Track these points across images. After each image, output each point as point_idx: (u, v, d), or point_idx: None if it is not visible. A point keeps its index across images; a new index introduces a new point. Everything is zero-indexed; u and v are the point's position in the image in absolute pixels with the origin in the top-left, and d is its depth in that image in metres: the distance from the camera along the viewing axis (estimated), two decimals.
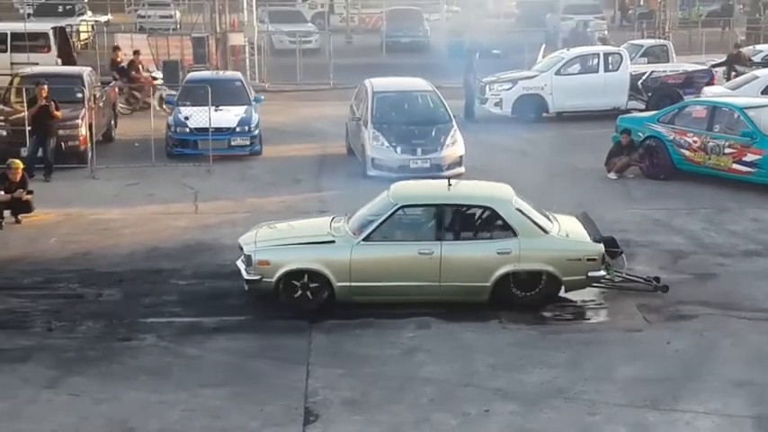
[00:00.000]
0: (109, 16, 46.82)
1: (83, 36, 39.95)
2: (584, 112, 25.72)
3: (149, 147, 20.89)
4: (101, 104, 22.33)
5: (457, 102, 24.51)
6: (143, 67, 28.41)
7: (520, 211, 12.79)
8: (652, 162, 19.64)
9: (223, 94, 21.91)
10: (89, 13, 45.29)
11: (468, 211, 12.98)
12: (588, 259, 12.63)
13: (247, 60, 32.11)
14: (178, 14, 46.32)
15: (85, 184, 19.42)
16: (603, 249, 12.76)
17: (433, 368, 11.00)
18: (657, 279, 13.41)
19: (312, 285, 12.53)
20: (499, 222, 12.66)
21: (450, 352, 11.44)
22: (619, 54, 26.53)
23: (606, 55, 26.40)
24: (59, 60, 29.45)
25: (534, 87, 25.63)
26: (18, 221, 16.40)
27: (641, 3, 49.18)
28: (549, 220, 13.18)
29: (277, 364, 11.10)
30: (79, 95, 21.16)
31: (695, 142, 19.06)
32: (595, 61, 26.22)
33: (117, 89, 25.71)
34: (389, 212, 12.65)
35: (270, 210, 17.23)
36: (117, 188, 19.05)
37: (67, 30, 33.11)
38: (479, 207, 12.93)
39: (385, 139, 19.69)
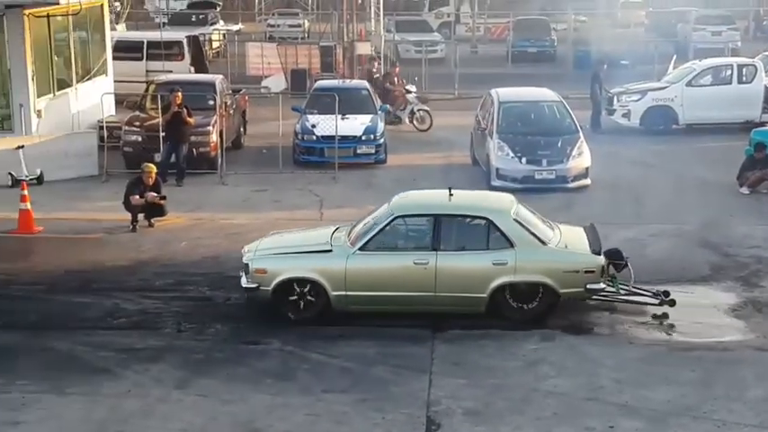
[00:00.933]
0: (240, 25, 47.90)
1: (215, 45, 40.97)
2: (716, 124, 25.04)
3: (277, 154, 21.27)
4: (231, 112, 22.84)
5: (583, 112, 24.23)
6: (398, 80, 26.85)
7: (518, 221, 12.62)
8: None
9: (350, 102, 22.17)
10: (221, 22, 46.43)
11: (465, 222, 12.87)
12: (586, 271, 12.37)
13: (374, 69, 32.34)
14: (307, 24, 47.09)
15: (215, 190, 19.89)
16: (602, 261, 12.51)
17: (556, 381, 10.89)
18: (666, 293, 12.98)
19: (309, 294, 12.58)
20: (496, 233, 12.49)
21: (574, 365, 11.30)
22: (753, 66, 25.79)
23: (740, 66, 25.70)
24: (192, 68, 30.29)
25: (664, 99, 25.12)
26: (151, 225, 16.89)
27: None
28: (552, 230, 13.00)
29: (399, 372, 11.15)
30: (211, 103, 21.68)
31: None
32: (728, 73, 25.55)
33: None
34: (385, 222, 12.66)
35: None
36: (245, 194, 19.46)
37: (200, 38, 34.01)
38: (476, 218, 12.79)
39: (510, 149, 19.62)
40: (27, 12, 20.84)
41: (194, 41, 31.99)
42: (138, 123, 21.33)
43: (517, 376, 11.05)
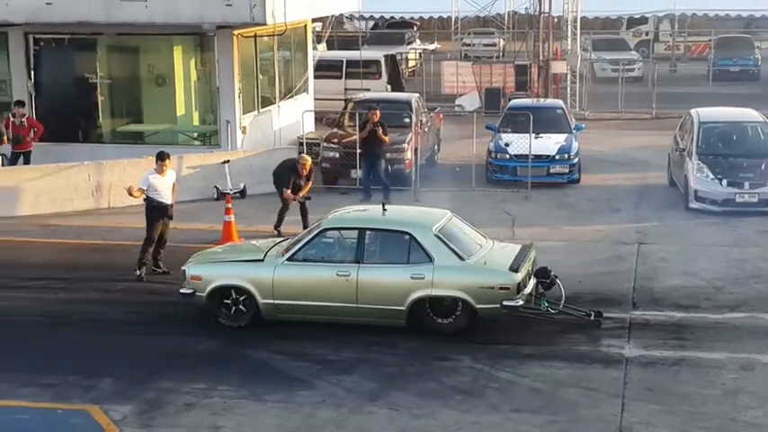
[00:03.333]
0: (436, 44, 48.37)
1: (411, 63, 41.55)
2: None
3: (470, 172, 21.39)
4: (426, 130, 23.14)
5: None
6: None
7: (439, 237, 12.79)
8: None
9: (544, 121, 22.08)
10: (418, 41, 47.05)
11: (387, 236, 13.15)
12: (501, 288, 12.41)
13: (568, 88, 32.12)
14: (502, 43, 47.13)
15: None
16: (518, 279, 12.45)
17: (757, 412, 10.49)
18: (599, 313, 12.88)
19: (242, 302, 13.03)
20: (416, 248, 12.73)
21: None
22: None
23: None
24: (389, 87, 30.86)
25: None
26: None
27: None
28: (480, 247, 13.14)
29: (591, 395, 11.00)
30: (407, 120, 22.05)
31: None
32: None
33: None
34: (313, 234, 13.16)
35: (585, 239, 17.16)
36: None
37: (397, 57, 34.59)
38: (398, 232, 13.04)
39: (710, 170, 19.07)
40: (236, 32, 21.80)
41: (391, 60, 32.61)
42: (336, 140, 21.91)
43: (714, 405, 10.71)
